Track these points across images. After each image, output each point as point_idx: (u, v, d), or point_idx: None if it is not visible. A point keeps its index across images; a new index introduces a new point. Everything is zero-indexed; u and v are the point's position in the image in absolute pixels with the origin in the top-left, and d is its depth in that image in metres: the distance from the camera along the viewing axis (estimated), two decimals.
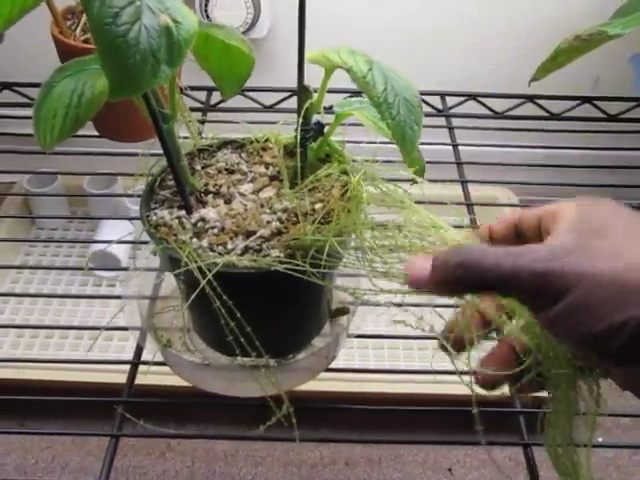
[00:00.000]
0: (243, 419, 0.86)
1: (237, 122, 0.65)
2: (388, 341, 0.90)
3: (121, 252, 1.06)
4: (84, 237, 1.18)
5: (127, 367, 0.64)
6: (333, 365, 0.62)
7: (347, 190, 0.52)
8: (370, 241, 0.48)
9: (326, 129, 0.54)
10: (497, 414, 0.53)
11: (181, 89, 0.91)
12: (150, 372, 0.63)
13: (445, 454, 0.89)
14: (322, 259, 0.48)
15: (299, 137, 0.51)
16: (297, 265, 0.48)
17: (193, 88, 0.99)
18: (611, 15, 0.84)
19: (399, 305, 0.52)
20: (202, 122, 0.96)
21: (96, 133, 0.91)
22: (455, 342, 0.46)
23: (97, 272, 1.08)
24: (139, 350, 0.65)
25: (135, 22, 0.39)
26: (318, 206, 0.53)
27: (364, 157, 0.57)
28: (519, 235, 0.46)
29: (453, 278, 0.39)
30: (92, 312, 1.05)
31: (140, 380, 0.64)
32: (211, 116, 0.99)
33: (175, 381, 0.62)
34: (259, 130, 0.62)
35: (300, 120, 0.50)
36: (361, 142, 0.56)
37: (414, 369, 0.71)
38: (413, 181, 0.57)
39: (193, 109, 0.98)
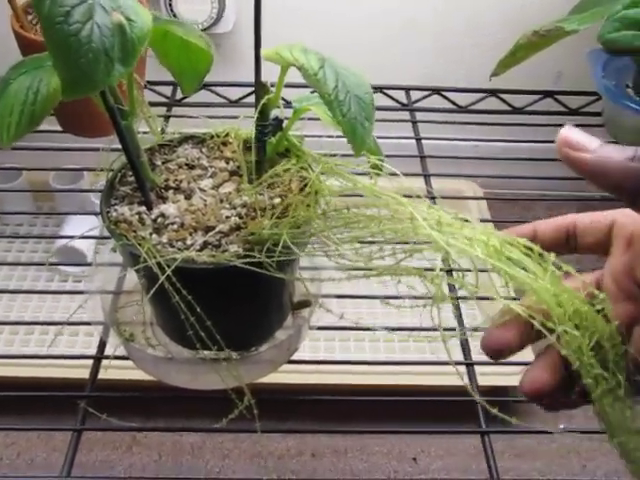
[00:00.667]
0: (210, 412, 0.86)
1: (200, 117, 0.65)
2: (354, 333, 0.91)
3: (87, 247, 1.05)
4: (50, 233, 1.17)
5: (91, 362, 0.64)
6: (296, 357, 0.63)
7: (306, 184, 0.53)
8: (325, 228, 0.49)
9: (285, 124, 0.55)
10: (459, 404, 0.54)
11: (144, 84, 0.92)
12: (115, 367, 0.64)
13: (410, 444, 0.91)
14: (279, 252, 0.49)
15: (255, 133, 0.52)
16: (255, 260, 0.49)
17: (158, 83, 0.99)
18: (569, 12, 0.85)
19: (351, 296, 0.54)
20: (167, 117, 0.96)
21: (60, 128, 0.90)
22: (495, 350, 0.42)
23: (63, 267, 1.08)
24: (102, 345, 0.65)
25: (87, 21, 0.39)
26: (277, 201, 0.53)
27: (324, 151, 0.58)
28: (570, 240, 0.44)
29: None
30: (58, 308, 1.05)
31: (105, 375, 0.65)
32: (177, 111, 0.99)
33: (139, 375, 0.63)
34: (223, 125, 0.63)
35: (257, 115, 0.51)
36: (321, 136, 0.57)
37: (379, 360, 0.72)
38: (373, 174, 0.58)
39: (158, 104, 0.98)
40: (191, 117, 0.65)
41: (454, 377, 0.56)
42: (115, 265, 0.65)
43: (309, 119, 0.56)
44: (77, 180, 1.14)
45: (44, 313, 1.04)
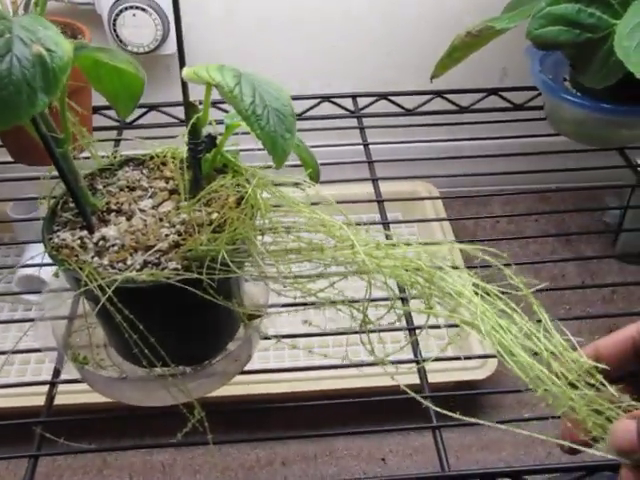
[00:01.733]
0: (177, 429, 0.87)
1: (142, 139, 0.66)
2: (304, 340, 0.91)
3: (48, 274, 1.06)
4: (12, 262, 1.18)
5: (46, 389, 0.65)
6: (249, 367, 0.64)
7: (242, 198, 0.55)
8: (260, 246, 0.51)
9: (218, 140, 0.56)
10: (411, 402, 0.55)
11: (92, 111, 0.93)
12: (72, 391, 0.65)
13: (378, 445, 0.92)
14: (216, 268, 0.50)
15: (188, 151, 0.53)
16: (192, 276, 0.50)
17: (109, 108, 1.00)
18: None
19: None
20: (117, 141, 0.97)
21: (12, 159, 0.91)
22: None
23: (25, 296, 1.08)
24: (57, 370, 0.66)
25: (6, 54, 0.41)
26: (215, 216, 0.55)
27: (259, 164, 0.59)
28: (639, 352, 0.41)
29: None
30: (25, 337, 1.05)
31: (63, 400, 0.65)
32: (128, 134, 1.01)
33: (98, 397, 0.64)
34: (170, 145, 0.64)
35: (187, 135, 0.52)
36: (254, 150, 0.58)
37: (334, 364, 0.73)
38: (307, 184, 0.59)
39: (108, 128, 0.99)
40: (141, 139, 0.66)
41: (409, 376, 0.58)
42: (66, 290, 0.66)
43: (243, 133, 0.58)
44: (35, 209, 1.14)
45: (8, 343, 1.04)
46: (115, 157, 0.64)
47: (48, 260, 0.73)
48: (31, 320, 1.08)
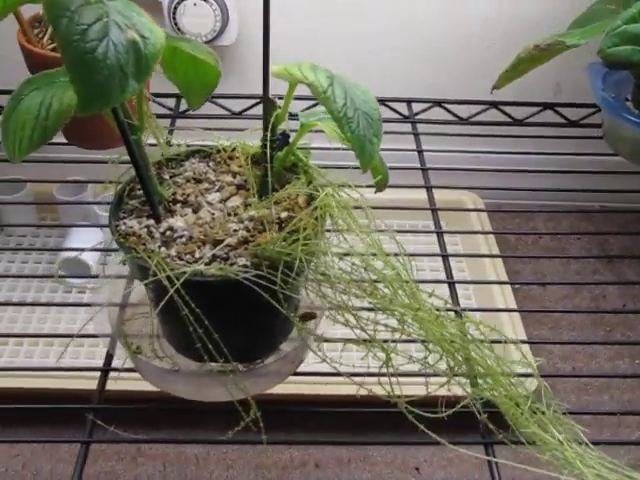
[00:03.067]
0: (214, 423, 0.87)
1: (206, 129, 0.66)
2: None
3: (91, 259, 1.06)
4: (53, 244, 1.17)
5: (96, 374, 0.64)
6: (301, 369, 0.64)
7: (312, 198, 0.54)
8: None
9: (291, 138, 0.55)
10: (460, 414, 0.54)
11: (149, 97, 0.93)
12: (121, 378, 0.64)
13: (413, 454, 0.91)
14: (292, 270, 0.49)
15: (269, 152, 0.52)
16: (263, 274, 0.50)
17: (162, 95, 1.00)
18: (568, 26, 0.86)
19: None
20: (170, 130, 0.96)
21: (65, 140, 0.91)
22: None
23: (67, 279, 1.08)
24: (109, 357, 0.65)
25: (103, 38, 0.40)
26: (284, 215, 0.54)
27: (329, 164, 0.59)
28: None
29: None
30: (62, 319, 1.05)
31: (111, 386, 0.65)
32: (180, 122, 1.00)
33: (145, 387, 0.63)
34: (227, 137, 0.63)
35: (269, 134, 0.51)
36: (327, 149, 0.58)
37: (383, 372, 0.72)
38: (376, 190, 0.59)
39: (161, 116, 0.99)
40: (195, 129, 0.65)
41: (456, 387, 0.57)
42: (121, 278, 0.65)
43: (315, 131, 0.57)
44: (80, 192, 1.14)
45: (49, 324, 1.04)
46: (181, 147, 0.63)
47: (93, 244, 0.74)
48: (75, 304, 1.08)
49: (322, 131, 0.55)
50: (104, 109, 0.42)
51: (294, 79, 0.45)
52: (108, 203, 0.58)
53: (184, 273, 0.49)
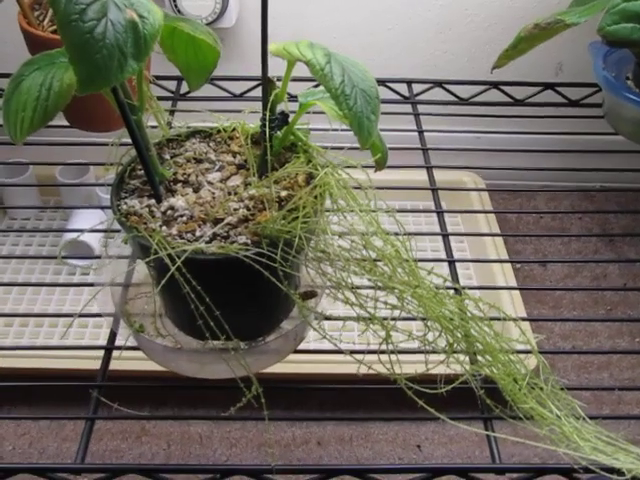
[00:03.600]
0: (217, 401, 0.88)
1: (206, 111, 0.66)
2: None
3: (94, 240, 1.06)
4: (57, 226, 1.18)
5: (100, 353, 0.65)
6: (302, 347, 0.64)
7: (312, 177, 0.54)
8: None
9: (290, 118, 0.56)
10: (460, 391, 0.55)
11: (150, 79, 0.93)
12: (124, 357, 0.65)
13: (414, 432, 0.92)
14: (292, 248, 0.50)
15: (267, 131, 0.52)
16: (262, 252, 0.50)
17: (163, 78, 0.99)
18: (569, 4, 0.86)
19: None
20: (172, 112, 0.96)
21: (67, 123, 0.91)
22: None
23: (70, 260, 1.09)
24: (112, 336, 0.66)
25: (101, 18, 0.40)
26: (284, 193, 0.54)
27: (329, 145, 0.59)
28: None
29: None
30: (66, 300, 1.06)
31: (114, 365, 0.66)
32: (181, 105, 1.00)
33: (149, 365, 0.64)
34: (228, 119, 0.64)
35: (267, 114, 0.52)
36: (326, 130, 0.58)
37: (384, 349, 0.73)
38: (376, 169, 0.59)
39: (163, 98, 0.99)
40: (196, 111, 0.65)
41: (456, 365, 0.58)
42: (123, 258, 0.66)
43: (314, 112, 0.57)
44: (83, 174, 1.15)
45: (53, 305, 1.05)
46: (182, 128, 0.63)
47: (96, 226, 0.74)
48: (78, 284, 1.09)
49: (322, 112, 0.56)
50: (103, 89, 0.42)
51: (292, 57, 0.45)
52: (110, 185, 0.58)
53: (185, 251, 0.50)
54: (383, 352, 0.55)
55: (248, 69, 1.06)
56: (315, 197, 0.52)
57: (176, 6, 1.06)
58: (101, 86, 0.41)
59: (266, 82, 0.52)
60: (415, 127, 0.97)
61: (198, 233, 0.52)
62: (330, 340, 0.55)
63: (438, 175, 0.89)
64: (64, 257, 1.07)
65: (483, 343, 0.57)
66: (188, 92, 1.01)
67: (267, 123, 0.52)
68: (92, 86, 0.41)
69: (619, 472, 0.51)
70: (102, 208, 1.10)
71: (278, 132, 0.56)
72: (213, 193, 0.56)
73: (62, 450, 0.89)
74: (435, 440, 0.91)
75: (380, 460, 0.88)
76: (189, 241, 0.52)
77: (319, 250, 0.53)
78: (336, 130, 0.58)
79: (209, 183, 0.57)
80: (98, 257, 1.06)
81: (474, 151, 1.04)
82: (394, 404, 0.77)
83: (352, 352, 0.57)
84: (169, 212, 0.54)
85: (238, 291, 0.55)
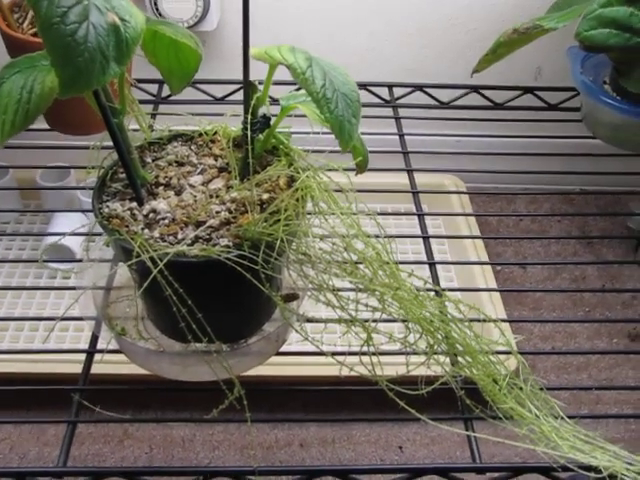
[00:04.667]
0: (200, 404, 0.88)
1: (187, 115, 0.66)
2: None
3: (75, 244, 1.06)
4: (37, 230, 1.17)
5: (81, 357, 0.65)
6: (284, 349, 0.64)
7: (293, 180, 0.55)
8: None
9: (272, 121, 0.56)
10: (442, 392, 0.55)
11: (132, 83, 0.93)
12: (106, 361, 0.65)
13: (396, 433, 0.92)
14: (273, 250, 0.50)
15: (249, 134, 0.53)
16: (244, 255, 0.50)
17: (144, 81, 0.99)
18: (547, 9, 0.87)
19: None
20: (153, 115, 0.96)
21: (47, 126, 0.91)
22: None
23: (51, 264, 1.08)
24: (94, 339, 0.66)
25: (83, 21, 0.40)
26: (265, 196, 0.55)
27: (310, 148, 0.59)
28: None
29: None
30: (47, 304, 1.05)
31: (96, 369, 0.65)
32: (162, 108, 1.00)
33: (131, 369, 0.64)
34: (209, 122, 0.64)
35: (249, 117, 0.52)
36: (308, 133, 0.58)
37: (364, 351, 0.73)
38: (357, 172, 0.60)
39: (144, 101, 0.99)
40: (178, 114, 0.66)
41: (438, 367, 0.58)
42: (105, 261, 0.66)
43: (295, 116, 0.58)
44: (64, 178, 1.14)
45: (34, 309, 1.04)
46: (163, 131, 0.63)
47: (77, 230, 0.74)
48: (59, 288, 1.08)
49: (303, 116, 0.56)
50: (85, 91, 0.42)
51: (274, 61, 0.45)
52: (91, 188, 0.58)
53: (167, 254, 0.50)
54: (364, 354, 0.56)
55: (229, 72, 1.06)
56: (297, 200, 0.53)
57: (157, 9, 1.05)
58: (83, 89, 0.41)
59: (248, 85, 0.52)
60: (396, 130, 0.97)
61: (180, 236, 0.53)
62: (312, 342, 0.55)
63: (419, 178, 0.90)
64: (45, 261, 1.06)
65: (463, 344, 0.57)
66: (169, 95, 1.01)
67: (249, 126, 0.52)
68: (74, 89, 0.41)
69: (596, 470, 0.52)
70: (83, 211, 1.09)
71: (260, 135, 0.56)
72: (195, 196, 0.56)
73: (43, 455, 0.88)
74: (417, 441, 0.92)
75: (362, 461, 0.88)
76: (171, 244, 0.52)
77: (301, 252, 0.53)
78: (317, 133, 0.59)
79: (191, 186, 0.57)
80: (79, 260, 1.06)
81: (455, 154, 1.04)
82: (376, 405, 0.77)
83: (334, 354, 0.58)
84: (151, 215, 0.55)
85: (220, 293, 0.56)
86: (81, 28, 0.40)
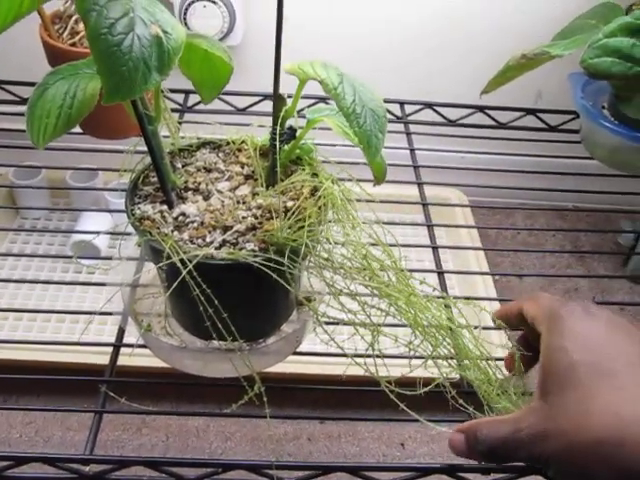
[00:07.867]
0: (214, 397, 0.87)
1: (212, 123, 0.65)
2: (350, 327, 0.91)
3: (100, 242, 1.05)
4: (65, 227, 1.17)
5: (106, 349, 0.64)
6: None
7: (316, 189, 0.54)
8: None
9: (298, 133, 0.55)
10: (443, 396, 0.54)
11: (162, 92, 0.92)
12: (129, 354, 0.64)
13: (398, 431, 0.91)
14: (298, 255, 0.49)
15: (278, 144, 0.52)
16: (270, 258, 0.49)
17: (172, 91, 0.99)
18: (550, 37, 0.86)
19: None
20: (179, 123, 0.95)
21: (78, 130, 0.90)
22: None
23: (83, 261, 1.07)
24: (121, 333, 0.65)
25: (129, 32, 0.40)
26: (290, 204, 0.54)
27: (333, 159, 0.58)
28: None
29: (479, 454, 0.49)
30: (72, 297, 1.04)
31: (120, 361, 0.64)
32: (188, 117, 0.99)
33: (151, 362, 0.63)
34: (233, 131, 0.63)
35: (278, 128, 0.51)
36: (334, 145, 0.57)
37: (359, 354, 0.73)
38: (375, 183, 0.58)
39: (171, 110, 0.98)
40: (204, 123, 0.65)
41: (443, 369, 0.57)
42: (133, 259, 0.65)
43: (319, 129, 0.57)
44: (92, 179, 1.13)
45: (60, 302, 1.03)
46: (192, 139, 0.62)
47: (102, 228, 0.73)
48: (88, 284, 1.07)
49: (326, 128, 0.55)
50: (129, 99, 0.41)
51: (306, 76, 0.45)
52: (117, 190, 0.57)
53: (196, 256, 0.49)
54: (369, 356, 0.55)
55: (251, 85, 1.05)
56: (319, 208, 0.52)
57: (186, 24, 1.05)
58: (126, 96, 0.40)
59: (277, 98, 0.51)
60: (407, 145, 0.96)
61: (208, 239, 0.52)
62: (338, 345, 0.54)
63: (426, 191, 0.89)
64: (76, 257, 1.05)
65: (463, 348, 0.56)
66: (195, 105, 1.00)
67: (277, 137, 0.51)
68: (118, 96, 0.40)
69: None
70: (109, 211, 1.08)
71: (286, 145, 0.55)
72: (222, 201, 0.55)
73: (66, 439, 0.87)
74: (418, 439, 0.90)
75: (366, 457, 0.87)
76: (200, 246, 0.51)
77: (322, 258, 0.52)
78: (334, 145, 0.58)
79: (218, 192, 0.56)
80: (109, 258, 1.05)
81: (459, 169, 1.03)
82: (380, 405, 0.76)
83: (355, 355, 0.56)
84: (180, 218, 0.54)
85: (245, 295, 0.54)
86: (127, 39, 0.39)
